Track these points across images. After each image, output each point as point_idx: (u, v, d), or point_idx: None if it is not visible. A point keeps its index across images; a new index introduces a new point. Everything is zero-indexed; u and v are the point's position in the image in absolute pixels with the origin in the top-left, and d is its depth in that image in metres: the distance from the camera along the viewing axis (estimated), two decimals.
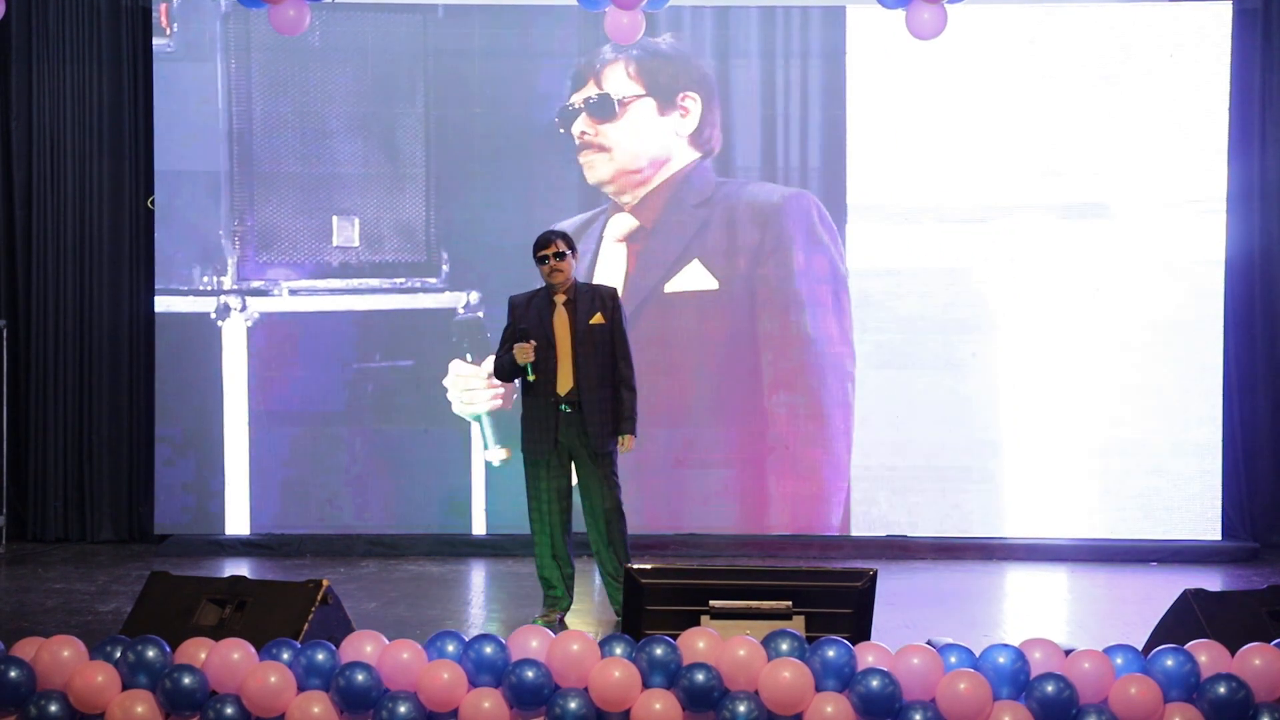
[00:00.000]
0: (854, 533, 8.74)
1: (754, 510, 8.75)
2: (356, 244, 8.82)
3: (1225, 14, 8.67)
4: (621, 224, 8.76)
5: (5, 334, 8.84)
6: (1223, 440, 8.76)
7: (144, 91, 8.91)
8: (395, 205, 8.82)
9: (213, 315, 8.78)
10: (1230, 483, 8.83)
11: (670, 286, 8.76)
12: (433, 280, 8.82)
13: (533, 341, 6.51)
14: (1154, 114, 8.70)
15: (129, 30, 8.94)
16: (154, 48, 8.76)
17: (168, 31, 8.75)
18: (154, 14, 8.73)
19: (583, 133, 8.72)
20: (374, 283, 8.83)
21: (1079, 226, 8.74)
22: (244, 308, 8.77)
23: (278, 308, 8.80)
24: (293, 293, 8.81)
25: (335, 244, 8.82)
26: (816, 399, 8.72)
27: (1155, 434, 8.73)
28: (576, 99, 8.74)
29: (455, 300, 8.81)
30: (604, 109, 8.69)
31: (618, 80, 8.72)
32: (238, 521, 8.79)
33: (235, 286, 8.78)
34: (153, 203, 8.84)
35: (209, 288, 8.77)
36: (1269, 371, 9.00)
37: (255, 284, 8.80)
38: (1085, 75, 8.71)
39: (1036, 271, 8.77)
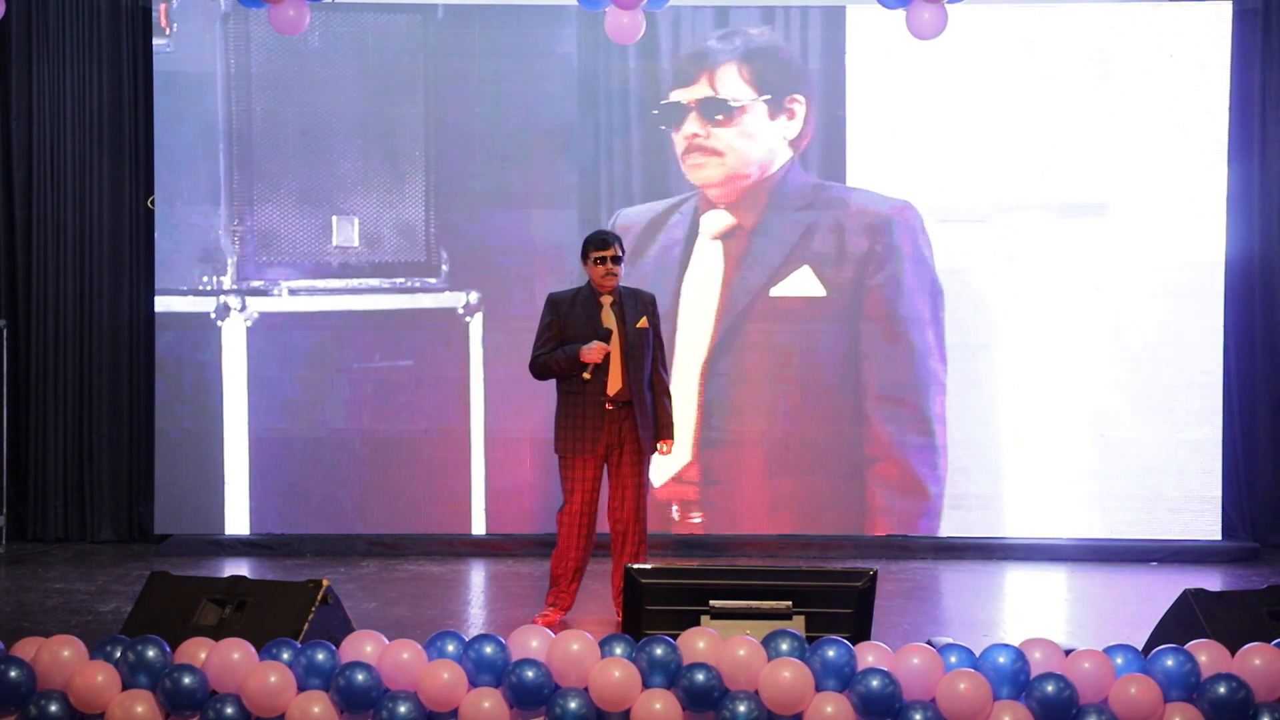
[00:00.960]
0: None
1: (852, 517, 8.74)
2: (356, 244, 8.82)
3: (1225, 14, 8.67)
4: (717, 221, 8.72)
5: (5, 334, 8.84)
6: (1223, 440, 8.76)
7: (144, 91, 8.91)
8: (395, 205, 8.82)
9: (212, 315, 8.78)
10: (1230, 483, 8.83)
11: (776, 291, 8.73)
12: (432, 280, 8.82)
13: (608, 346, 6.49)
14: (1154, 114, 8.70)
15: (129, 30, 8.94)
16: (156, 49, 8.76)
17: (167, 31, 8.74)
18: (154, 14, 8.72)
19: (694, 134, 8.68)
20: (374, 282, 8.83)
21: (1079, 226, 8.74)
22: (244, 307, 8.77)
23: (277, 307, 8.80)
24: (292, 293, 8.81)
25: (335, 244, 8.82)
26: (918, 411, 8.72)
27: (1155, 434, 8.74)
28: (683, 96, 8.68)
29: (455, 300, 8.81)
30: (719, 112, 8.65)
31: (732, 82, 8.67)
32: (238, 521, 8.79)
33: (235, 286, 8.78)
34: (153, 202, 8.84)
35: (209, 288, 8.77)
36: (1269, 371, 9.01)
37: (255, 284, 8.80)
38: (1085, 75, 8.71)
39: (1036, 271, 8.77)
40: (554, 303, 6.67)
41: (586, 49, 8.77)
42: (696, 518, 8.75)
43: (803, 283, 8.72)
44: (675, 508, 8.74)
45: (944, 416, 8.74)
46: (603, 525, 6.72)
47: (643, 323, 6.61)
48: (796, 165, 8.74)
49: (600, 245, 6.56)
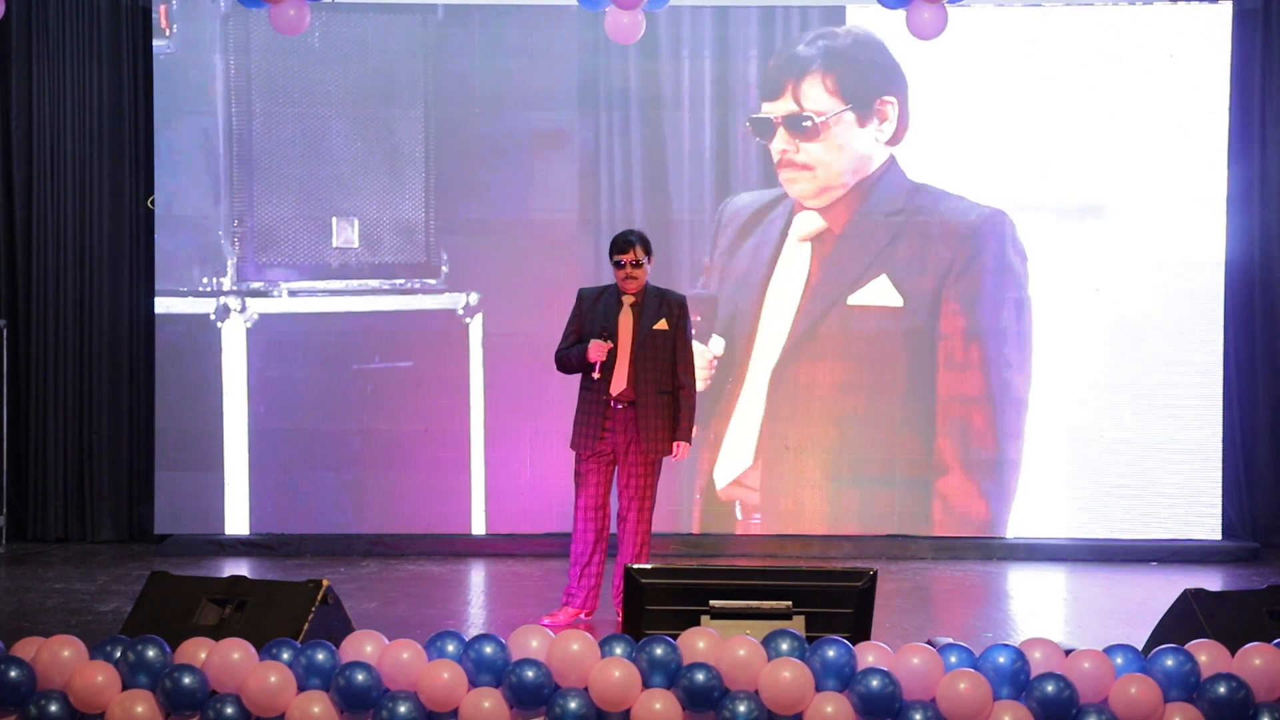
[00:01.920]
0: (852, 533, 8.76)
1: (915, 525, 8.73)
2: (356, 245, 8.82)
3: (1225, 14, 8.67)
4: (808, 223, 8.69)
5: (5, 334, 8.84)
6: (1223, 440, 8.76)
7: (144, 91, 8.90)
8: (395, 206, 8.82)
9: (212, 316, 8.77)
10: (1230, 483, 8.83)
11: (854, 299, 8.69)
12: (432, 281, 8.82)
13: (610, 343, 6.52)
14: (1154, 114, 8.70)
15: (129, 30, 8.93)
16: (156, 49, 8.75)
17: (167, 32, 8.74)
18: (155, 15, 8.72)
19: (784, 150, 8.64)
20: (374, 283, 8.82)
21: (1079, 226, 8.74)
22: (244, 309, 8.77)
23: (277, 309, 8.79)
24: (292, 294, 8.81)
25: (335, 245, 8.82)
26: (990, 426, 8.69)
27: (1155, 434, 8.74)
28: (772, 111, 8.65)
29: (454, 301, 8.81)
30: (806, 128, 8.61)
31: (817, 96, 8.61)
32: (238, 521, 8.79)
33: (235, 287, 8.78)
34: (153, 202, 8.84)
35: (209, 289, 8.77)
36: (1269, 372, 9.00)
37: (255, 285, 8.79)
38: (1085, 75, 8.70)
39: (1036, 271, 8.76)
40: (581, 298, 6.77)
41: (586, 49, 8.77)
42: (756, 518, 8.75)
43: (879, 292, 8.65)
44: (738, 506, 8.73)
45: (1021, 434, 8.68)
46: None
47: (662, 324, 6.62)
48: (895, 166, 8.69)
49: (620, 249, 6.59)
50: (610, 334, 6.56)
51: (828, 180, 8.67)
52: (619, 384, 6.57)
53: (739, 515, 8.73)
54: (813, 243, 8.71)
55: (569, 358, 6.68)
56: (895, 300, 8.68)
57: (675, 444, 6.68)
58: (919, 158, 8.72)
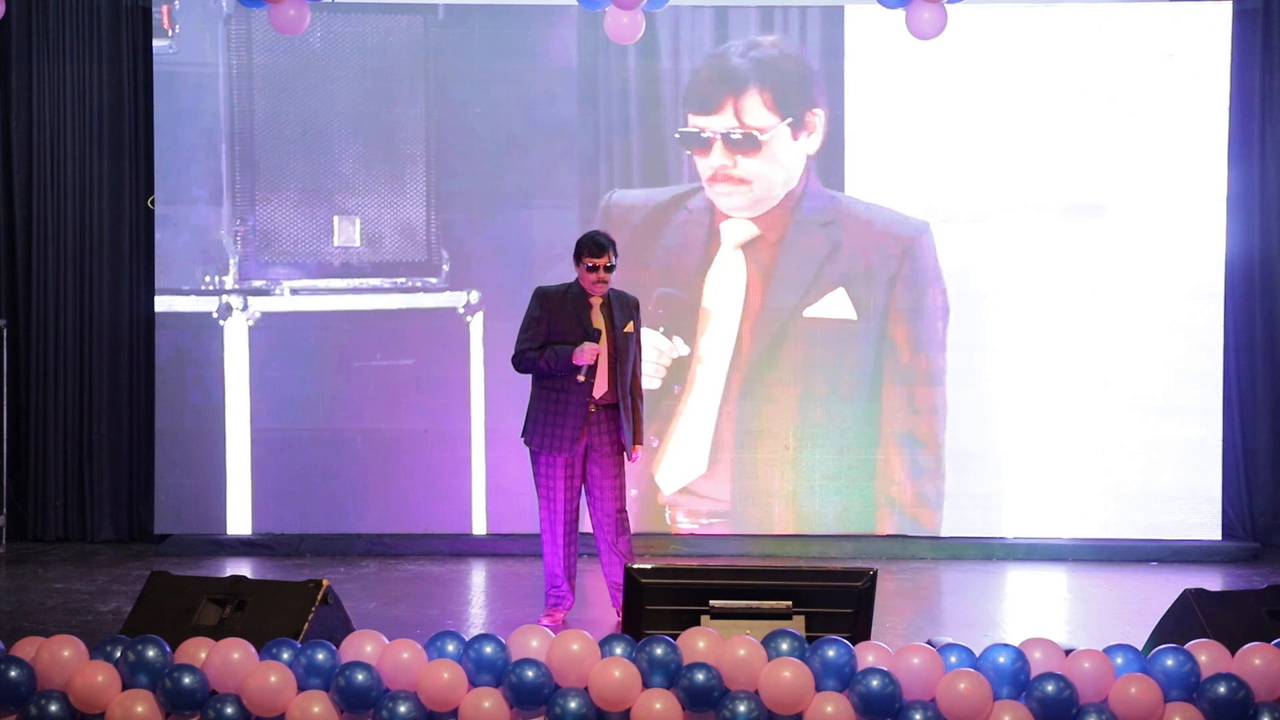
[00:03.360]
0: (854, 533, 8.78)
1: (864, 526, 8.77)
2: (358, 244, 8.83)
3: (1225, 14, 8.67)
4: (739, 230, 8.70)
5: (5, 334, 8.84)
6: (1223, 440, 8.76)
7: (144, 91, 8.91)
8: (396, 205, 8.83)
9: (215, 314, 8.78)
10: (1230, 483, 8.83)
11: (810, 312, 8.72)
12: (433, 280, 8.83)
13: (600, 347, 6.46)
14: (1154, 114, 8.70)
15: (129, 30, 8.94)
16: (157, 49, 8.76)
17: (170, 33, 8.75)
18: (157, 15, 8.73)
19: (721, 166, 8.65)
20: (375, 282, 8.84)
21: (1078, 227, 8.74)
22: (246, 307, 8.78)
23: (279, 307, 8.80)
24: (294, 292, 8.82)
25: (336, 244, 8.83)
26: (937, 432, 8.73)
27: (1155, 434, 8.73)
28: (707, 124, 8.66)
29: (455, 300, 8.81)
30: (746, 145, 8.63)
31: (756, 111, 8.64)
32: (238, 521, 8.79)
33: (237, 286, 8.79)
34: (153, 202, 8.85)
35: (211, 287, 8.78)
36: (1269, 371, 9.01)
37: (257, 283, 8.81)
38: (1085, 75, 8.70)
39: (1036, 272, 8.76)
40: (543, 296, 6.58)
41: (586, 49, 8.77)
42: (702, 522, 8.76)
43: (836, 305, 8.68)
44: (680, 513, 8.74)
45: (942, 441, 8.75)
46: (585, 524, 6.74)
47: (629, 327, 6.59)
48: (814, 177, 8.73)
49: (595, 253, 6.48)
50: (584, 334, 6.46)
51: (764, 193, 8.69)
52: (601, 387, 6.51)
53: (680, 521, 8.74)
54: (745, 250, 8.72)
55: (546, 362, 6.45)
56: (850, 314, 8.70)
57: (635, 447, 6.67)
58: (918, 157, 8.72)
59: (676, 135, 8.71)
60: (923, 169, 8.74)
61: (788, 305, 8.72)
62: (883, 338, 8.74)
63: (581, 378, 6.44)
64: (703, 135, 8.70)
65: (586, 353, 6.40)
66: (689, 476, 8.72)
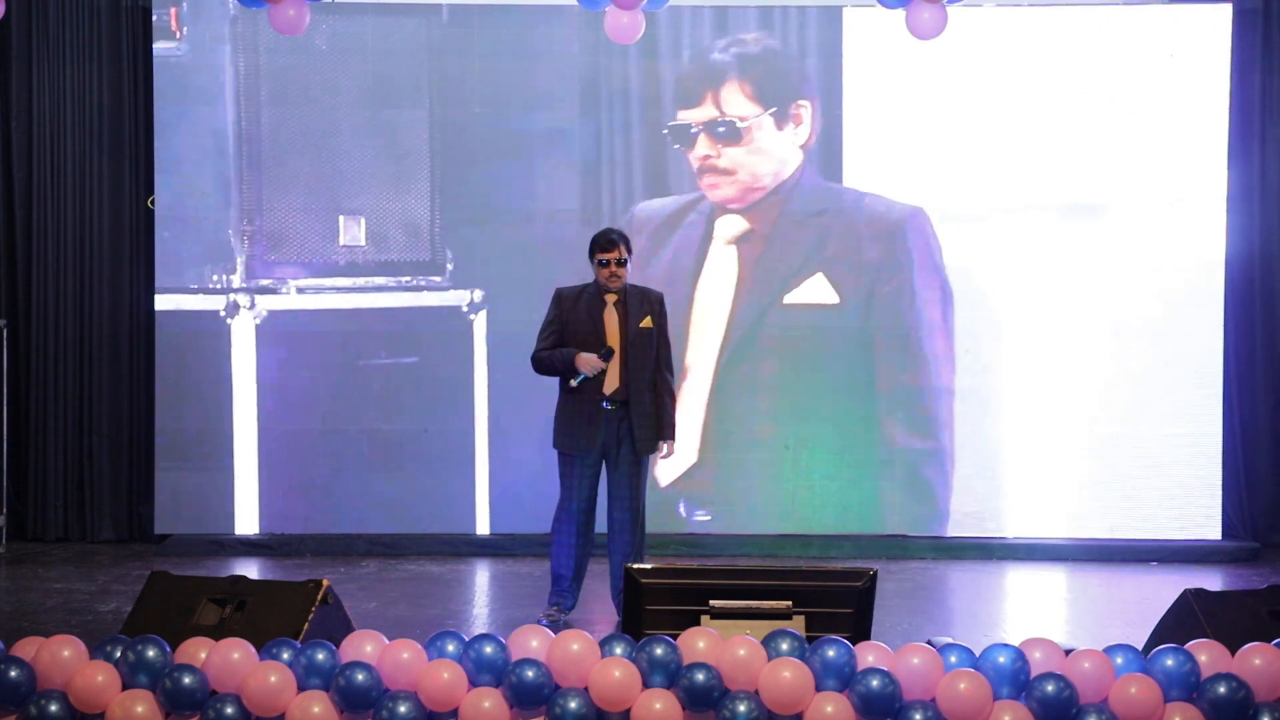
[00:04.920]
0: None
1: (864, 519, 8.76)
2: (363, 243, 8.85)
3: (1225, 15, 8.67)
4: (731, 225, 8.74)
5: (5, 334, 8.84)
6: (1223, 440, 8.76)
7: (144, 91, 8.91)
8: (400, 205, 8.85)
9: (222, 313, 8.80)
10: (1230, 483, 8.83)
11: (791, 298, 8.74)
12: (437, 279, 8.84)
13: (605, 364, 6.47)
14: (1154, 114, 8.70)
15: (129, 30, 8.94)
16: (165, 52, 8.77)
17: (178, 35, 8.77)
18: (163, 17, 8.74)
19: (705, 156, 8.70)
20: (380, 281, 8.86)
21: (1078, 226, 8.74)
22: (252, 305, 8.80)
23: (285, 305, 8.82)
24: (300, 291, 8.84)
25: (342, 243, 8.86)
26: (928, 418, 8.72)
27: (1155, 434, 8.74)
28: (691, 118, 8.71)
29: (459, 299, 8.83)
30: (728, 134, 8.67)
31: (736, 101, 8.68)
32: (239, 521, 8.79)
33: (244, 285, 8.81)
34: (152, 202, 8.85)
35: (219, 286, 8.80)
36: (1269, 371, 9.01)
37: (264, 282, 8.83)
38: (1085, 75, 8.70)
39: (1036, 271, 8.77)
40: (560, 298, 6.67)
41: (587, 49, 8.79)
42: (703, 516, 8.76)
43: (816, 290, 8.72)
44: (681, 504, 8.75)
45: (952, 423, 8.73)
46: (601, 525, 6.73)
47: (646, 322, 6.60)
48: (808, 169, 8.74)
49: (605, 248, 6.53)
50: (595, 332, 6.50)
51: (749, 183, 8.72)
52: (611, 383, 6.55)
53: (682, 513, 8.74)
54: (738, 245, 8.74)
55: (552, 361, 6.56)
56: (832, 298, 8.71)
57: (663, 443, 6.67)
58: (918, 157, 8.73)
59: (664, 131, 8.72)
60: (923, 169, 8.74)
61: (772, 294, 8.73)
62: (879, 333, 8.74)
63: (573, 383, 6.50)
64: (691, 130, 8.72)
65: (588, 362, 6.47)
66: (682, 468, 8.72)
